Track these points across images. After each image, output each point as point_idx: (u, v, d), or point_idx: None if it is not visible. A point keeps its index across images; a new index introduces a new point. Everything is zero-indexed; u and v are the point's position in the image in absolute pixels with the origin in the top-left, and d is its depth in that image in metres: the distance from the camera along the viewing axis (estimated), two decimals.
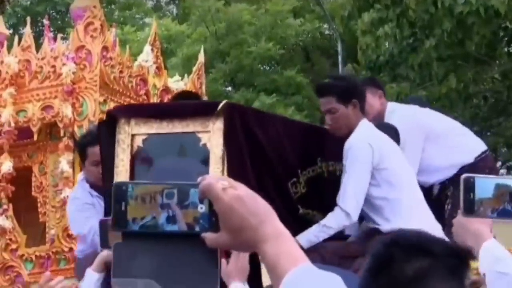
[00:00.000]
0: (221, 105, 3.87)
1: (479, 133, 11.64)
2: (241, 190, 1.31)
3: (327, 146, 4.25)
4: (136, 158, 3.99)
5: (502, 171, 14.78)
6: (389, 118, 4.63)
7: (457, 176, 4.46)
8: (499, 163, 14.47)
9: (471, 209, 1.74)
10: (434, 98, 10.35)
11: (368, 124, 4.07)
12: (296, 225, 4.04)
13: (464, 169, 4.41)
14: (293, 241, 1.31)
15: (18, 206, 5.50)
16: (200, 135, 3.87)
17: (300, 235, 3.92)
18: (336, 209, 3.88)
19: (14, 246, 5.45)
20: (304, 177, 4.10)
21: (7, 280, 5.39)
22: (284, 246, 1.29)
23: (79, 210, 4.37)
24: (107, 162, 4.06)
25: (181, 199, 1.29)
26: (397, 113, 4.65)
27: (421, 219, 3.84)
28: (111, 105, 5.18)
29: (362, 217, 4.13)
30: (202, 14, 17.02)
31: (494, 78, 11.21)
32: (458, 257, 1.67)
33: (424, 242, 1.70)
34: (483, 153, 4.67)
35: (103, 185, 4.16)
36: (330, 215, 3.90)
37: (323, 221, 3.91)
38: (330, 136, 4.22)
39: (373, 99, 4.66)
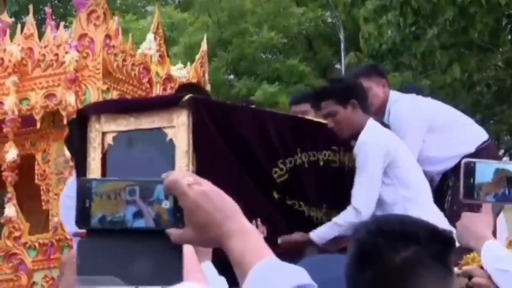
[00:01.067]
0: (184, 99, 3.91)
1: (481, 121, 11.65)
2: (207, 186, 1.31)
3: (308, 136, 4.22)
4: (107, 156, 4.04)
5: (505, 158, 14.77)
6: (392, 108, 4.62)
7: (458, 166, 4.46)
8: (501, 151, 14.48)
9: (470, 194, 1.75)
10: (437, 86, 10.35)
11: (376, 123, 4.10)
12: (276, 213, 4.07)
13: (465, 159, 4.41)
14: (259, 236, 1.32)
15: (21, 194, 5.53)
16: (166, 130, 3.89)
17: (312, 232, 3.96)
18: (348, 207, 3.92)
19: (17, 233, 5.47)
20: (284, 166, 4.10)
21: (11, 267, 5.42)
22: (249, 241, 1.29)
23: (69, 209, 4.41)
24: (80, 161, 4.12)
25: (145, 196, 1.29)
26: (401, 102, 4.64)
27: (434, 219, 3.86)
28: (114, 93, 5.19)
29: None
30: (205, 2, 17.00)
31: (497, 66, 11.20)
32: (442, 243, 1.67)
33: (408, 230, 1.68)
34: (484, 142, 4.65)
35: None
36: (342, 213, 3.93)
37: (334, 219, 3.94)
38: (311, 126, 4.26)
39: (377, 89, 4.64)
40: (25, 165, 5.48)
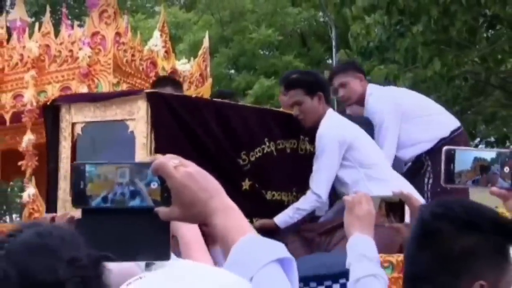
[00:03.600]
0: (142, 93, 3.89)
1: (460, 112, 11.66)
2: (191, 167, 1.32)
3: (275, 126, 4.19)
4: (77, 145, 4.04)
5: (481, 146, 14.77)
6: (367, 100, 4.61)
7: (433, 149, 4.46)
8: (478, 139, 14.49)
9: (451, 179, 1.75)
10: (420, 80, 10.35)
11: (334, 113, 4.15)
12: (242, 201, 4.04)
13: (441, 142, 4.41)
14: (240, 213, 1.32)
15: (39, 178, 5.53)
16: (128, 122, 3.89)
17: (276, 217, 3.98)
18: (308, 192, 3.96)
19: (36, 214, 5.49)
20: (247, 157, 4.07)
21: None
22: (232, 218, 1.30)
23: None
24: (52, 148, 4.11)
25: (135, 177, 1.30)
26: (374, 96, 4.63)
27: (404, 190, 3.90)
28: (124, 86, 5.18)
29: (336, 196, 4.18)
30: (208, 2, 16.97)
31: (474, 61, 11.19)
32: (504, 234, 1.62)
33: (472, 218, 1.63)
34: (458, 128, 4.65)
35: (47, 166, 4.24)
36: (302, 198, 3.98)
37: (296, 204, 3.99)
38: (278, 117, 4.26)
39: (354, 83, 4.64)
40: (44, 152, 5.48)
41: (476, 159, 1.74)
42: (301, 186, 4.13)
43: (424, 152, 4.49)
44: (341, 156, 3.96)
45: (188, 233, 2.02)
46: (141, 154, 3.78)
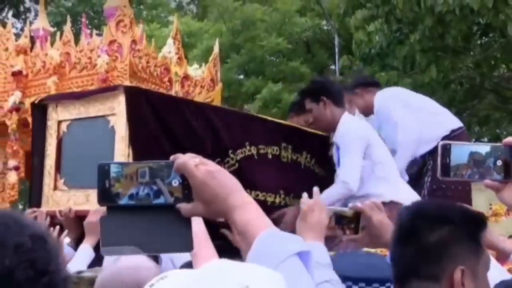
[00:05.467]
0: (120, 89, 3.83)
1: (456, 115, 11.62)
2: (211, 166, 1.31)
3: (256, 131, 4.11)
4: (63, 142, 4.00)
5: None
6: (375, 102, 4.65)
7: (435, 148, 4.46)
8: (473, 140, 14.48)
9: (447, 173, 1.74)
10: (418, 85, 10.34)
11: (350, 115, 4.17)
12: None
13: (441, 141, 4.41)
14: (259, 209, 1.31)
15: None
16: (109, 118, 3.82)
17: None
18: (336, 181, 3.94)
19: None
20: (235, 156, 3.96)
21: None
22: (251, 213, 1.29)
23: None
24: (37, 142, 4.08)
25: (156, 176, 1.30)
26: (377, 97, 4.68)
27: (405, 192, 3.91)
28: None
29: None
30: (221, 11, 17.01)
31: (469, 67, 11.17)
32: (474, 223, 1.72)
33: (443, 213, 1.73)
34: (459, 128, 4.63)
35: (31, 160, 4.22)
36: (330, 187, 3.94)
37: (324, 194, 3.92)
38: (259, 123, 4.19)
39: (351, 104, 4.68)
40: None
41: (471, 153, 1.72)
42: (290, 189, 4.06)
43: (427, 152, 4.49)
44: (363, 151, 3.97)
45: (195, 227, 2.02)
46: (119, 147, 3.67)
